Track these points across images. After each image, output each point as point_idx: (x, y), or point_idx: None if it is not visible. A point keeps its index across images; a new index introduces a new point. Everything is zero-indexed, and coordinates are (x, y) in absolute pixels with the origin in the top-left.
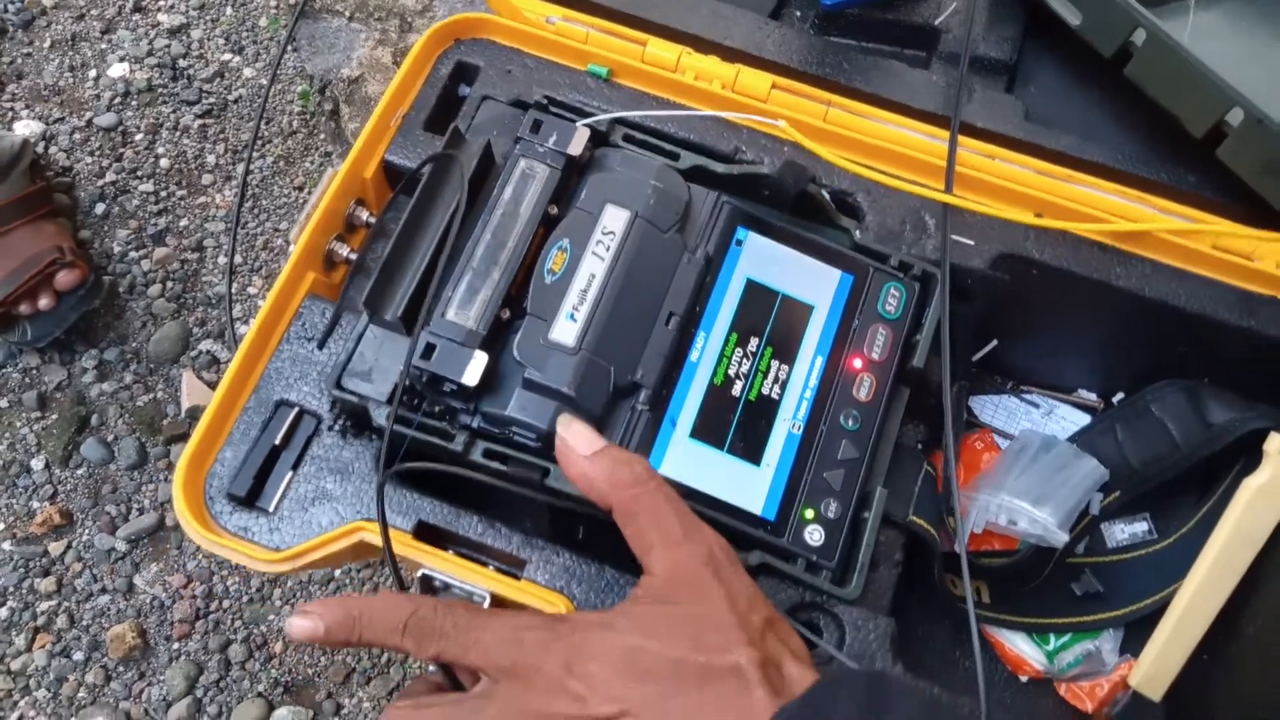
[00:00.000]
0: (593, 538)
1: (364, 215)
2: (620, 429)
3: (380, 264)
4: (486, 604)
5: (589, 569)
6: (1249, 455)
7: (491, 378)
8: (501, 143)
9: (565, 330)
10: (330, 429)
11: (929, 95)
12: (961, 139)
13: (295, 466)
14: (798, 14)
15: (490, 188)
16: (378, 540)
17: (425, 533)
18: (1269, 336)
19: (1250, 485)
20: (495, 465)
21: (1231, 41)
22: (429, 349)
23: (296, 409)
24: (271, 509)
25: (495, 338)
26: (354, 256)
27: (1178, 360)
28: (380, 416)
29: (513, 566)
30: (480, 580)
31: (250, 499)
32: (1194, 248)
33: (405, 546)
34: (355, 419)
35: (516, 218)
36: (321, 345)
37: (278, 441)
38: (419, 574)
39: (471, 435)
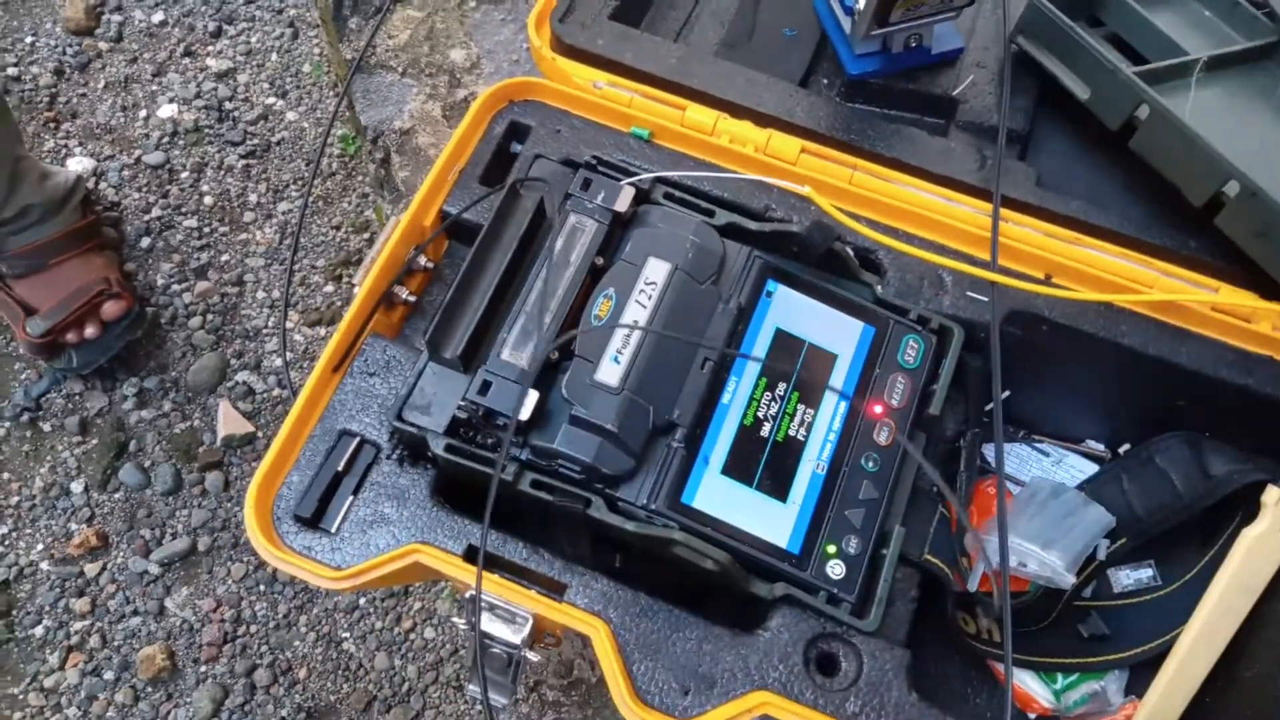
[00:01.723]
0: (629, 565)
1: (422, 261)
2: (657, 464)
3: (441, 308)
4: (529, 627)
5: (625, 594)
6: (1249, 506)
7: (540, 414)
8: (552, 198)
9: (609, 372)
10: (389, 458)
11: (947, 161)
12: (977, 202)
13: (356, 491)
14: (825, 82)
15: (543, 240)
16: (432, 562)
17: (474, 556)
18: (1265, 394)
19: (1248, 535)
20: (542, 495)
21: (1229, 118)
22: (485, 385)
23: (358, 439)
24: (334, 530)
25: (545, 377)
26: (412, 299)
27: (1180, 414)
28: (438, 446)
29: (554, 590)
30: (524, 602)
31: (314, 520)
32: (1194, 309)
33: (456, 569)
34: (413, 449)
35: (567, 267)
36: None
37: (340, 468)
38: (467, 594)
39: (521, 467)
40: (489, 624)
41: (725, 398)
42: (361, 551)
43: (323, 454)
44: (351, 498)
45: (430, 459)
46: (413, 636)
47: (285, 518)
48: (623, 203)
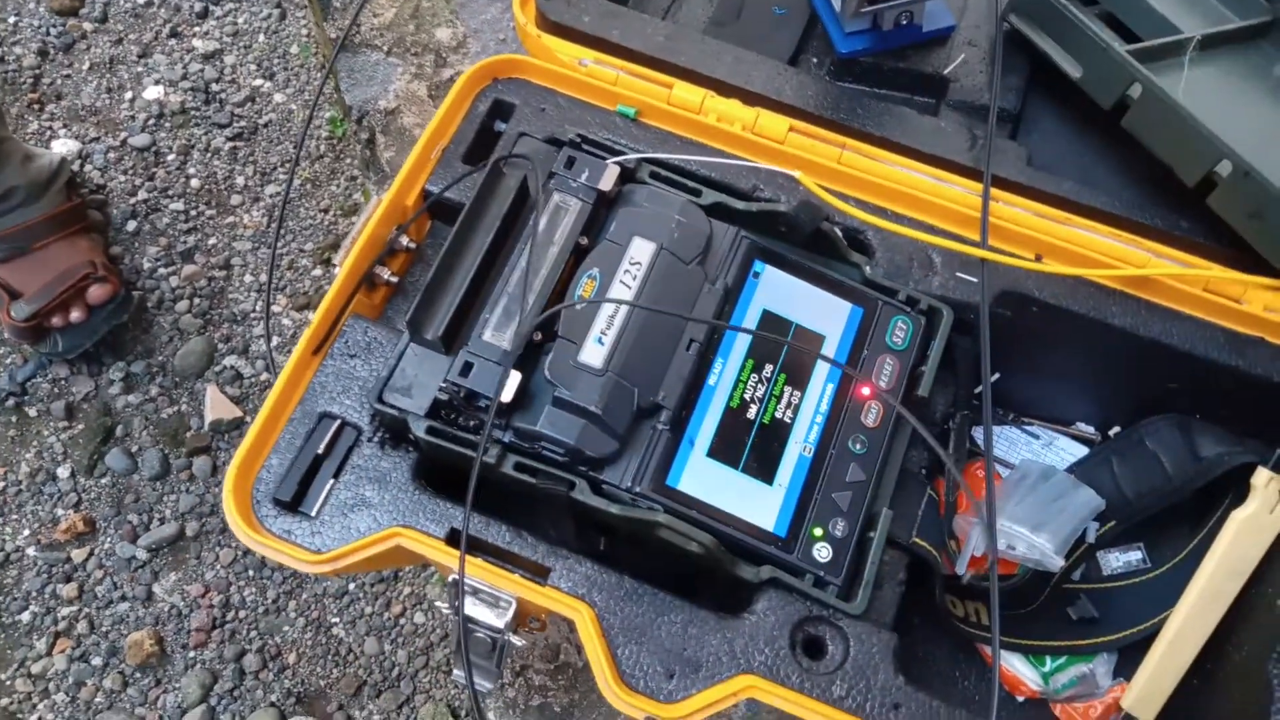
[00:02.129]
0: (614, 548)
1: (404, 241)
2: (642, 447)
3: (423, 288)
4: (512, 611)
5: (609, 578)
6: (1238, 488)
7: (523, 395)
8: (535, 176)
9: (593, 353)
10: (370, 440)
11: (937, 140)
12: (968, 182)
13: (337, 475)
14: (814, 61)
15: (526, 219)
16: (413, 545)
17: (457, 540)
18: (1256, 375)
19: (1237, 518)
20: (524, 478)
21: (1222, 97)
22: (467, 367)
23: (339, 421)
24: (314, 513)
25: (528, 358)
26: (394, 279)
27: (1171, 396)
28: (420, 429)
29: (538, 574)
30: (508, 586)
31: (294, 504)
32: (1186, 290)
33: (438, 552)
34: (394, 431)
35: (550, 247)
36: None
37: (321, 451)
38: (450, 579)
39: (503, 449)
40: (473, 608)
41: (711, 380)
42: (342, 535)
43: (303, 437)
44: (332, 481)
45: (412, 441)
46: (402, 621)
47: (265, 501)
48: (607, 181)
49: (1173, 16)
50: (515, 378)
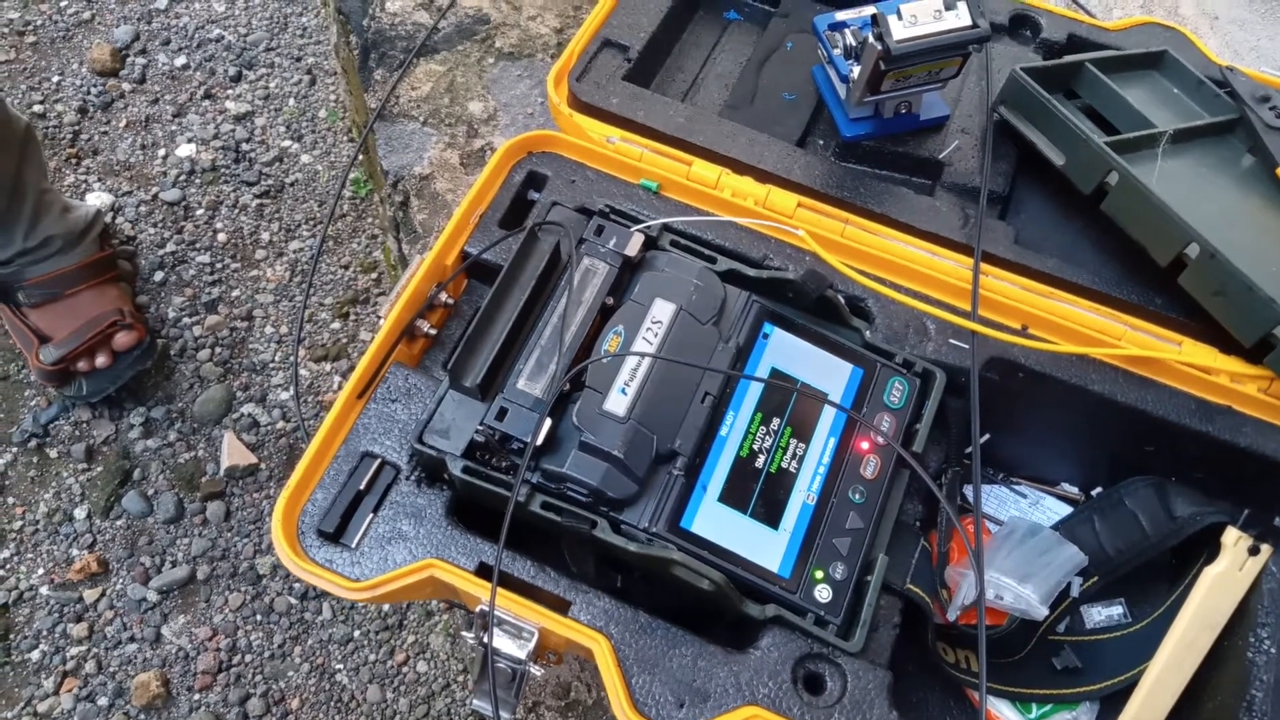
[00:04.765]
0: (630, 585)
1: (443, 297)
2: (659, 490)
3: (463, 339)
4: (534, 641)
5: (625, 612)
6: (1212, 547)
7: (552, 440)
8: (566, 242)
9: (617, 402)
10: (407, 479)
11: (933, 218)
12: (960, 257)
13: (376, 510)
14: (821, 143)
15: (558, 280)
16: (446, 577)
17: (485, 573)
18: (1224, 441)
19: (1209, 574)
20: (551, 516)
21: (1192, 186)
22: (502, 412)
23: (379, 460)
24: (354, 545)
25: (557, 406)
26: (433, 332)
27: (1148, 459)
28: (456, 468)
29: (559, 607)
30: (532, 616)
31: (336, 535)
32: (1160, 360)
33: (469, 583)
34: (430, 471)
35: (580, 305)
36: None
37: (362, 487)
38: (478, 609)
39: (532, 489)
40: (496, 639)
41: (723, 430)
42: (380, 565)
43: (346, 474)
44: (372, 515)
45: (446, 480)
46: (405, 670)
47: (309, 532)
48: (633, 248)
49: (1148, 112)
50: (546, 423)
